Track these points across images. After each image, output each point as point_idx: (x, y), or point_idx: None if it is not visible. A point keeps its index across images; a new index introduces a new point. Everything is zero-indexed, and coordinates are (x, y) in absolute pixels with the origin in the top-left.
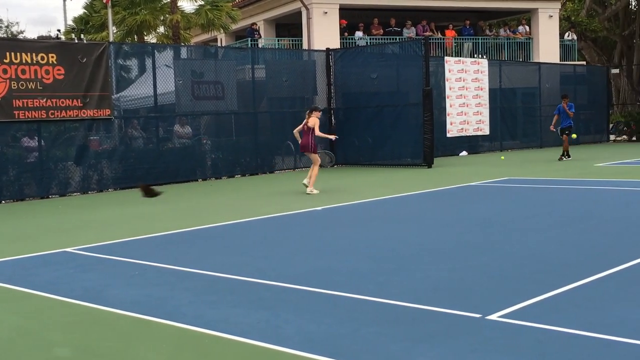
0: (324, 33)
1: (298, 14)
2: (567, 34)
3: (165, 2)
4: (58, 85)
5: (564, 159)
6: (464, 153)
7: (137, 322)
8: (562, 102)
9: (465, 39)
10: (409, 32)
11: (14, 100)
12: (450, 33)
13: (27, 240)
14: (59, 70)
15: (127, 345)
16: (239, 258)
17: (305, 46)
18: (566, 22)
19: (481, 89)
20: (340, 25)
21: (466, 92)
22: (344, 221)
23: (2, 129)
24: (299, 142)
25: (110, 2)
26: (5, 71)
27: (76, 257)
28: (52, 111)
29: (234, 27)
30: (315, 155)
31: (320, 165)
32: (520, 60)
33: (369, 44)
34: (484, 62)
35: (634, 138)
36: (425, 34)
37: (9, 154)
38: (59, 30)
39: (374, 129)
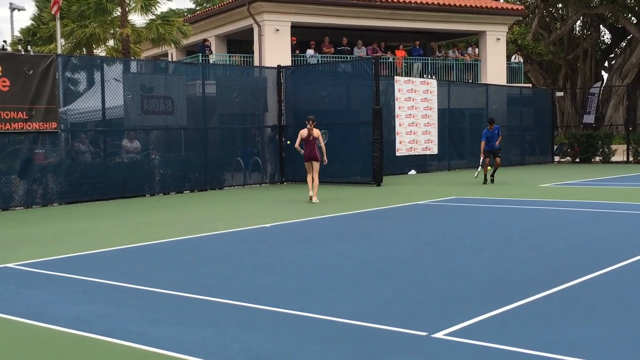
0: (275, 50)
1: (250, 30)
2: (514, 56)
3: (115, 15)
4: (3, 97)
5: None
6: (413, 172)
7: (79, 339)
8: (488, 126)
9: (415, 59)
10: (360, 52)
11: None
12: (400, 53)
13: None
14: (4, 81)
15: None
16: (185, 275)
17: (256, 63)
18: (513, 45)
19: (430, 109)
20: (291, 42)
21: (415, 111)
22: (292, 238)
23: None
24: (302, 153)
25: (59, 14)
26: None
27: (18, 273)
28: None
29: (185, 42)
30: (318, 164)
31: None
32: (469, 81)
33: (320, 61)
34: (433, 83)
35: (577, 159)
36: (375, 54)
37: None
38: (5, 42)
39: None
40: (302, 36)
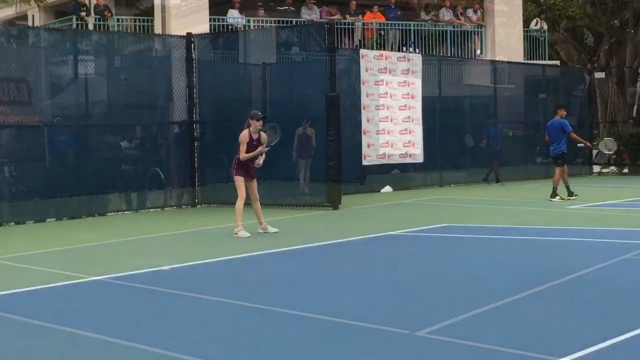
0: (185, 11)
1: None
2: (534, 21)
3: None
4: None
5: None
6: (387, 189)
7: None
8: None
9: (390, 24)
10: (311, 14)
11: None
12: (371, 16)
13: None
14: None
15: None
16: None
17: (158, 29)
18: (533, 5)
19: (412, 97)
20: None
21: (391, 100)
22: (197, 288)
23: None
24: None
25: None
26: None
27: None
28: None
29: None
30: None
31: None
32: (468, 56)
33: (249, 28)
34: (416, 59)
35: (626, 170)
36: (331, 17)
37: None
38: None
39: None
40: None
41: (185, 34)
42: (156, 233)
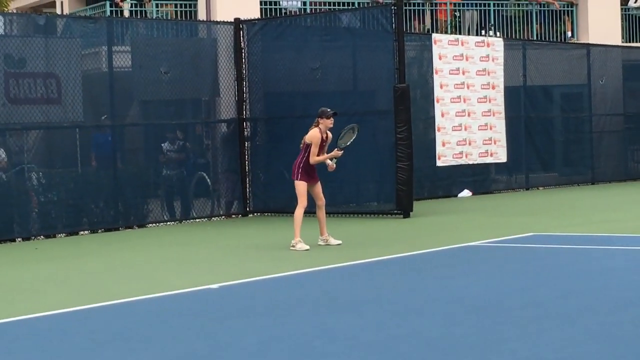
0: None
1: None
2: None
3: None
4: None
5: None
6: (466, 193)
7: None
8: None
9: (468, 4)
10: None
11: None
12: None
13: None
14: None
15: None
16: None
17: (201, 16)
18: None
19: (493, 87)
20: None
21: (468, 92)
22: (251, 308)
23: None
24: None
25: None
26: None
27: None
28: None
29: None
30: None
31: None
32: (558, 40)
33: (306, 12)
34: (497, 43)
35: None
36: None
37: None
38: None
39: None
40: None
41: (232, 20)
42: (202, 247)
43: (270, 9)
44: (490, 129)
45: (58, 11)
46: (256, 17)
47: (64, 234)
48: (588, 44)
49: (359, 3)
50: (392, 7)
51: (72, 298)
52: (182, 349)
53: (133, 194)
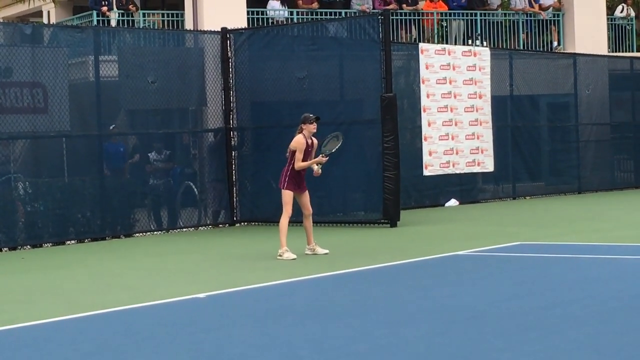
0: (220, 3)
1: None
2: (619, 7)
3: None
4: None
5: None
6: (453, 202)
7: None
8: None
9: (454, 14)
10: (362, 4)
11: None
12: (431, 5)
13: None
14: None
15: None
16: None
17: (189, 25)
18: None
19: (480, 97)
20: None
21: (456, 101)
22: (238, 318)
23: None
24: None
25: None
26: None
27: None
28: None
29: None
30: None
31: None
32: (544, 50)
33: (293, 21)
34: (484, 53)
35: None
36: (387, 6)
37: None
38: None
39: None
40: None
41: (219, 30)
42: (189, 256)
43: (258, 19)
44: (478, 138)
45: (45, 20)
46: (243, 27)
47: (50, 244)
48: (574, 54)
49: (346, 13)
50: (379, 17)
51: (58, 308)
52: (168, 359)
53: (120, 204)
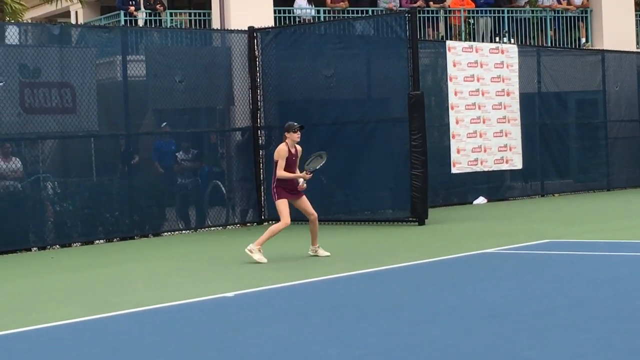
0: (246, 2)
1: None
2: None
3: None
4: None
5: None
6: (481, 200)
7: None
8: None
9: (482, 11)
10: (389, 2)
11: None
12: (458, 2)
13: None
14: None
15: None
16: None
17: (215, 24)
18: None
19: (508, 94)
20: None
21: (483, 99)
22: (266, 316)
23: None
24: (302, 185)
25: None
26: None
27: None
28: None
29: None
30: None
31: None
32: (572, 46)
33: (320, 20)
34: (512, 50)
35: None
36: (413, 4)
37: None
38: None
39: (328, 162)
40: None
41: (246, 29)
42: (217, 255)
43: (284, 17)
44: (506, 135)
45: (72, 21)
46: (270, 26)
47: (79, 243)
48: (603, 50)
49: (373, 11)
50: (406, 15)
51: (87, 307)
52: (196, 357)
53: (148, 203)
